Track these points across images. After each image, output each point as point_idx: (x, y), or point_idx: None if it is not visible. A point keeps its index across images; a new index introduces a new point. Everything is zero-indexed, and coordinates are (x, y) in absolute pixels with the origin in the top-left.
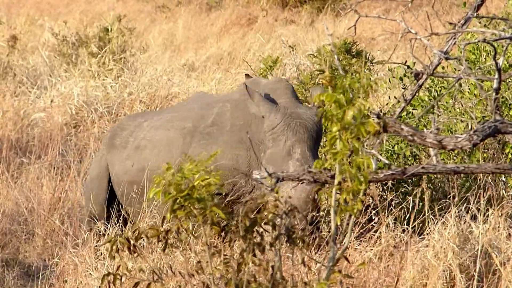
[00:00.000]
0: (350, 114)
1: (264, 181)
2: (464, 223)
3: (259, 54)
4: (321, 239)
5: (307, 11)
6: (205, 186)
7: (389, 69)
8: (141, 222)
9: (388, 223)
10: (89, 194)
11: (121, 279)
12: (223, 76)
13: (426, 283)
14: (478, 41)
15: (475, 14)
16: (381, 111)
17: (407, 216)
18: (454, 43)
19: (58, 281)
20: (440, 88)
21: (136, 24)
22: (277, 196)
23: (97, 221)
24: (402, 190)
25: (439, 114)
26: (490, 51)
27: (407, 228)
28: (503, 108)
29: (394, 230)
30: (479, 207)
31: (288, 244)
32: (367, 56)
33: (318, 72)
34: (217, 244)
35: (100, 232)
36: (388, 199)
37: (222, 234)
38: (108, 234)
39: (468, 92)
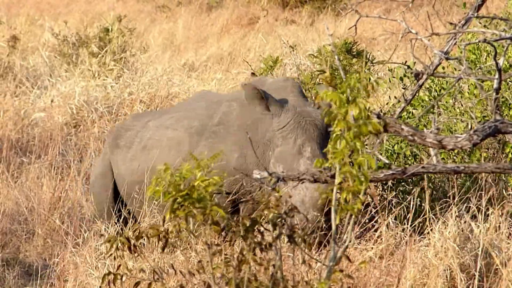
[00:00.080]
0: (355, 112)
1: (264, 181)
2: (465, 222)
3: (260, 54)
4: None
5: (308, 11)
6: (205, 186)
7: (389, 69)
8: (143, 222)
9: (389, 222)
10: (96, 193)
11: (121, 279)
12: (224, 76)
13: (427, 282)
14: (479, 41)
15: (475, 14)
16: (381, 111)
17: (408, 215)
18: (455, 43)
19: (58, 280)
20: (440, 88)
21: (136, 24)
22: (278, 196)
23: (107, 220)
24: (402, 190)
25: (439, 114)
26: (490, 51)
27: (407, 228)
28: (503, 108)
29: (394, 229)
30: (479, 207)
31: (289, 243)
32: (368, 56)
33: (319, 72)
34: (218, 243)
35: (100, 231)
36: (388, 198)
37: (223, 233)
38: (109, 233)
39: (468, 92)
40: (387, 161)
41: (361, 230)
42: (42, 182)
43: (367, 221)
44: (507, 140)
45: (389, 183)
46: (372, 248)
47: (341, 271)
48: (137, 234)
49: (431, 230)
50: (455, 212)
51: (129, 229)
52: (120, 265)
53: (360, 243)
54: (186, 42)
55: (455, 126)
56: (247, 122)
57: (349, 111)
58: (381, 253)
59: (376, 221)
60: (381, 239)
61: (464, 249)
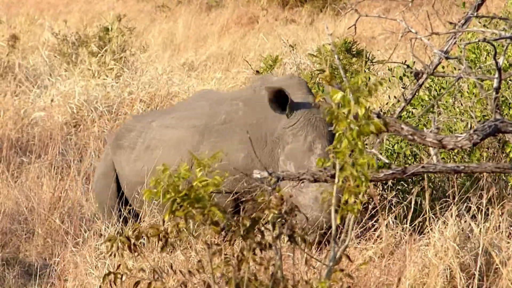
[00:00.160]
0: (360, 112)
1: (264, 180)
2: (465, 222)
3: (259, 53)
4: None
5: (307, 10)
6: (203, 186)
7: (389, 69)
8: (144, 222)
9: (389, 222)
10: (98, 193)
11: (121, 278)
12: (223, 75)
13: (427, 281)
14: (478, 41)
15: (475, 14)
16: (381, 111)
17: (407, 215)
18: (454, 43)
19: (58, 280)
20: (440, 88)
21: (136, 24)
22: (279, 195)
23: (107, 220)
24: (402, 189)
25: (439, 113)
26: (490, 50)
27: (407, 227)
28: (503, 107)
29: (394, 229)
30: (479, 206)
31: (290, 243)
32: (367, 56)
33: (318, 72)
34: (218, 242)
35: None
36: (388, 198)
37: (223, 233)
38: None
39: (468, 92)
40: (387, 161)
41: (361, 229)
42: (42, 182)
43: (367, 220)
44: (507, 139)
45: (389, 183)
46: (372, 247)
47: (341, 270)
48: (137, 233)
49: (431, 229)
50: (455, 211)
51: (129, 228)
52: (120, 265)
53: (360, 242)
54: (186, 42)
55: (455, 125)
56: (253, 121)
57: (352, 110)
58: (381, 253)
59: (376, 221)
60: (381, 238)
61: (464, 248)
